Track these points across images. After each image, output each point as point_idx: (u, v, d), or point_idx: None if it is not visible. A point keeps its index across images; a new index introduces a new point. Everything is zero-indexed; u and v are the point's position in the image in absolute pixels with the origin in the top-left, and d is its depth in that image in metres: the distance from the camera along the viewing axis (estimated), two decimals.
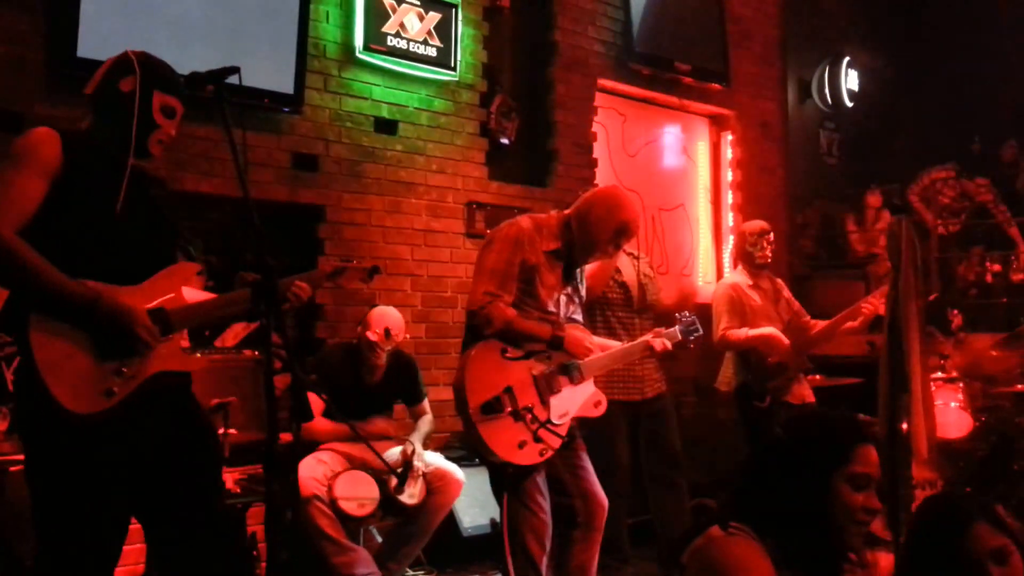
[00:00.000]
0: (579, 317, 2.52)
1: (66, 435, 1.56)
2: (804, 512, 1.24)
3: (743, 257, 3.51)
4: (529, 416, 2.24)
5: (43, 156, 1.61)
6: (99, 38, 2.83)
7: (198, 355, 1.76)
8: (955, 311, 4.25)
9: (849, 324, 3.37)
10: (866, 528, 1.25)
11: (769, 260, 3.48)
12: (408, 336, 3.10)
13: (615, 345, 2.58)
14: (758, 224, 3.53)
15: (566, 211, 2.44)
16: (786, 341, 3.32)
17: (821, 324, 3.45)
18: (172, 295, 1.69)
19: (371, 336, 2.94)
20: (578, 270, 2.50)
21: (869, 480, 1.25)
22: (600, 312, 3.00)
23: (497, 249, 2.31)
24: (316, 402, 2.81)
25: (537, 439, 2.25)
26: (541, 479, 2.34)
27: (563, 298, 2.42)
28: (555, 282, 2.38)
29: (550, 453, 2.30)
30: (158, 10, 3.01)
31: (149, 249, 1.70)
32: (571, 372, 2.36)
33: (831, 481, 1.24)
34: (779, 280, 3.62)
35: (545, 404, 2.29)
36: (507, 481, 2.28)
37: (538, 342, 2.31)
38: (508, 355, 2.27)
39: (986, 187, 5.39)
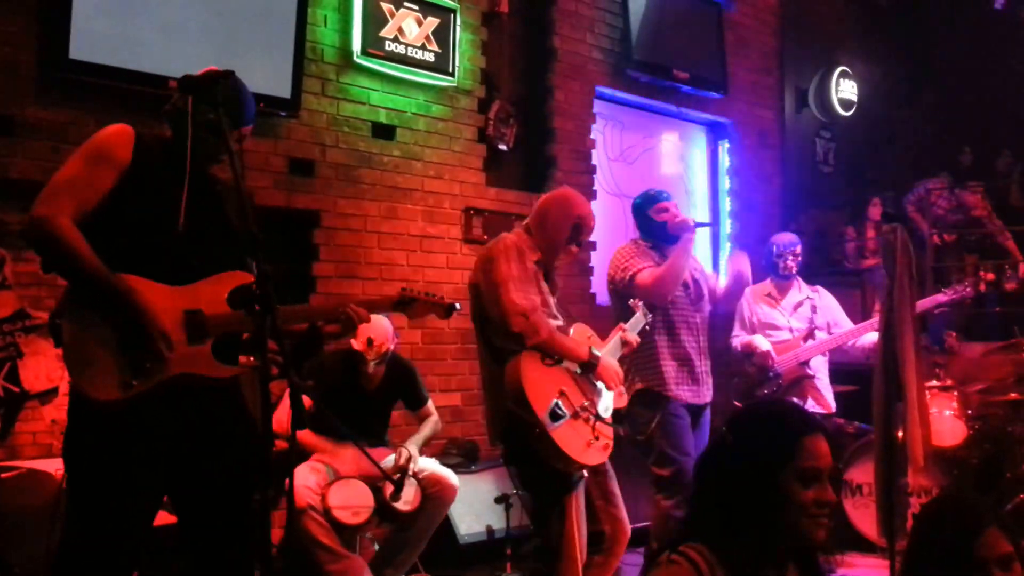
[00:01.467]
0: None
1: (94, 421, 1.61)
2: (757, 514, 1.19)
3: (770, 267, 3.62)
4: (586, 414, 2.27)
5: (115, 151, 1.67)
6: (92, 40, 2.82)
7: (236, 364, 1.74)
8: (952, 332, 4.30)
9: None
10: (823, 519, 1.19)
11: (792, 271, 3.56)
12: (397, 343, 3.06)
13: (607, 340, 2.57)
14: (786, 236, 3.64)
15: (526, 222, 2.47)
16: (762, 349, 3.40)
17: (835, 334, 3.51)
18: (216, 300, 1.70)
19: (355, 345, 2.92)
20: (555, 279, 2.52)
21: (819, 473, 1.18)
22: (661, 311, 2.84)
23: (504, 259, 2.29)
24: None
25: (596, 437, 2.28)
26: (582, 499, 2.33)
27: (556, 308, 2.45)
28: (547, 290, 2.41)
29: (611, 447, 2.33)
30: (152, 12, 2.99)
31: (206, 255, 1.72)
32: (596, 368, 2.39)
33: (779, 480, 1.18)
34: (816, 289, 3.64)
35: (591, 401, 2.33)
36: (568, 493, 2.26)
37: (574, 361, 2.31)
38: (547, 362, 2.28)
39: (981, 195, 5.42)
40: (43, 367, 2.80)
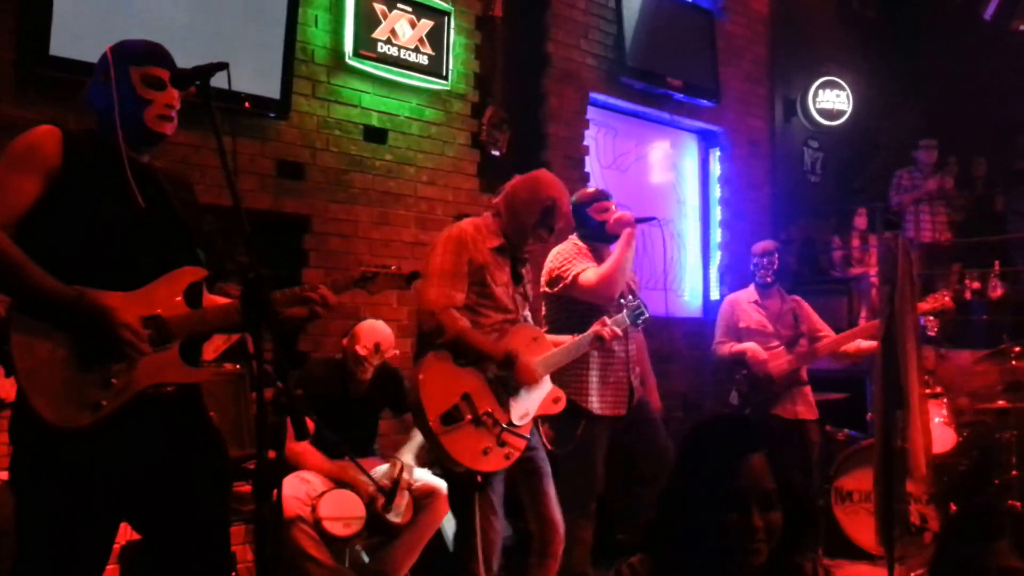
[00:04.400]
0: (528, 316, 2.47)
1: (50, 447, 1.48)
2: (689, 536, 1.12)
3: (752, 275, 3.66)
4: (490, 421, 2.20)
5: (40, 154, 1.54)
6: (73, 36, 2.73)
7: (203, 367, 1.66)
8: (929, 317, 4.31)
9: (855, 346, 3.44)
10: (754, 546, 1.09)
11: (769, 280, 3.60)
12: (397, 353, 3.01)
13: (565, 339, 2.49)
14: (762, 245, 3.68)
15: (496, 200, 2.41)
16: (762, 356, 3.40)
17: (827, 339, 3.50)
18: (172, 301, 1.59)
19: (360, 351, 2.86)
20: (524, 270, 2.45)
21: (742, 496, 1.10)
22: (590, 320, 2.79)
23: (441, 251, 2.26)
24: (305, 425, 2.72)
25: (501, 443, 2.21)
26: (496, 497, 2.29)
27: (517, 297, 2.38)
28: (507, 280, 2.34)
29: (516, 455, 2.26)
30: (137, 9, 2.92)
31: (156, 253, 1.61)
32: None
33: (705, 502, 1.11)
34: (795, 298, 3.67)
35: (504, 407, 2.25)
36: (474, 493, 2.23)
37: (488, 359, 2.25)
38: (460, 362, 2.22)
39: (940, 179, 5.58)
40: None
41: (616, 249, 2.68)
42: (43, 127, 1.58)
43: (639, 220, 2.72)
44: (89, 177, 1.57)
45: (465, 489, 2.24)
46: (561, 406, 2.41)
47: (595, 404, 2.69)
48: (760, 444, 1.13)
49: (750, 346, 3.45)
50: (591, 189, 2.96)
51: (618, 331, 2.47)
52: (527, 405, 2.30)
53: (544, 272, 2.80)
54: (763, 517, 1.10)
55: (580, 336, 2.46)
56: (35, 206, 1.52)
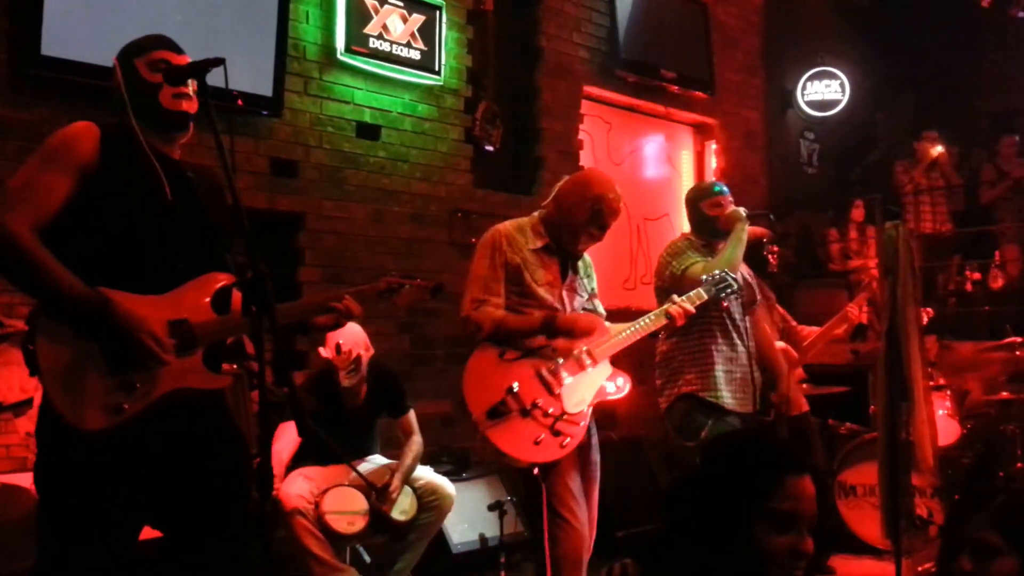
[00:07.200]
0: (598, 307, 2.45)
1: (73, 448, 1.48)
2: (719, 556, 1.05)
3: (761, 264, 3.34)
4: (539, 411, 2.18)
5: (75, 151, 1.53)
6: (65, 36, 2.71)
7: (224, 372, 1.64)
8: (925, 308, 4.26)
9: (836, 331, 3.36)
10: (796, 571, 1.05)
11: (775, 270, 3.45)
12: (371, 353, 2.86)
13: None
14: (762, 230, 3.54)
15: (547, 201, 2.41)
16: (794, 354, 3.24)
17: (810, 332, 3.42)
18: (200, 306, 1.58)
19: (323, 353, 2.77)
20: (580, 262, 2.42)
21: (797, 518, 1.05)
22: (716, 313, 2.66)
23: (478, 256, 2.32)
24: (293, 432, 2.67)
25: (555, 432, 2.19)
26: (575, 485, 2.25)
27: (564, 293, 2.36)
28: (552, 278, 2.33)
29: (574, 444, 2.23)
30: (129, 7, 2.89)
31: (184, 252, 1.59)
32: (578, 357, 2.28)
33: (749, 521, 1.04)
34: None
35: (555, 396, 2.23)
36: (541, 485, 2.20)
37: (532, 332, 2.24)
38: (506, 357, 2.22)
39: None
40: (16, 377, 2.64)
41: (726, 245, 2.61)
42: (81, 124, 1.56)
43: (751, 216, 2.66)
44: (122, 173, 1.55)
45: (531, 490, 2.22)
46: (624, 390, 2.36)
47: (727, 400, 2.62)
48: (808, 465, 1.09)
49: (782, 346, 3.20)
50: (707, 183, 2.91)
51: (690, 308, 2.37)
52: (582, 392, 2.26)
53: (655, 269, 2.75)
54: (811, 543, 1.06)
55: (648, 316, 2.38)
56: (67, 204, 1.50)
